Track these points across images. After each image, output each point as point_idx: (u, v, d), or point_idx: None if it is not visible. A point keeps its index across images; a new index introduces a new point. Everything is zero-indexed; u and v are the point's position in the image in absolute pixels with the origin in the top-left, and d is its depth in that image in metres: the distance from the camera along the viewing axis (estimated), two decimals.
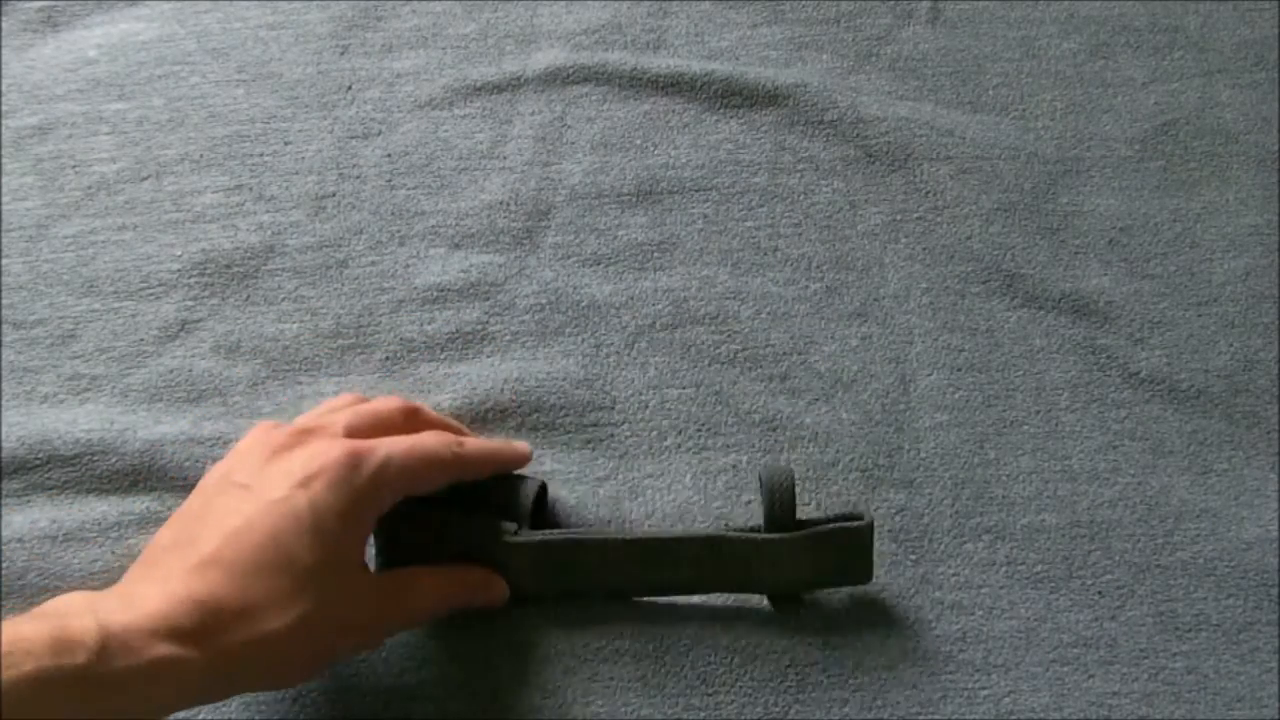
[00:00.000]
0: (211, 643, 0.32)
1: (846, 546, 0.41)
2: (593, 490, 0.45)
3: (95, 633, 0.30)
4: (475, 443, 0.41)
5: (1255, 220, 0.52)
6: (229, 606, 0.32)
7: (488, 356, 0.49)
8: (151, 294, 0.51)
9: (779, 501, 0.41)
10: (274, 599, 0.33)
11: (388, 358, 0.49)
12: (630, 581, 0.41)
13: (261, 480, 0.36)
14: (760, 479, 0.43)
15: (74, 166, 0.54)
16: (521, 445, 0.43)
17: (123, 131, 0.55)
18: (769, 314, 0.50)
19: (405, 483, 0.37)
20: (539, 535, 0.41)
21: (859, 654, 0.42)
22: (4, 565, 0.43)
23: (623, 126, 0.55)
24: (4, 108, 0.56)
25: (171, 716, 0.33)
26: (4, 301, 0.51)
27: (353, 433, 0.38)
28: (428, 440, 0.39)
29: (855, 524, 0.40)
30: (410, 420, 0.41)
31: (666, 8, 0.59)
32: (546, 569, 0.41)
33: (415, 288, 0.50)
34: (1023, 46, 0.57)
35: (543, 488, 0.43)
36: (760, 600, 0.42)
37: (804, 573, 0.41)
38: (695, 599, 0.43)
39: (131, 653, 0.30)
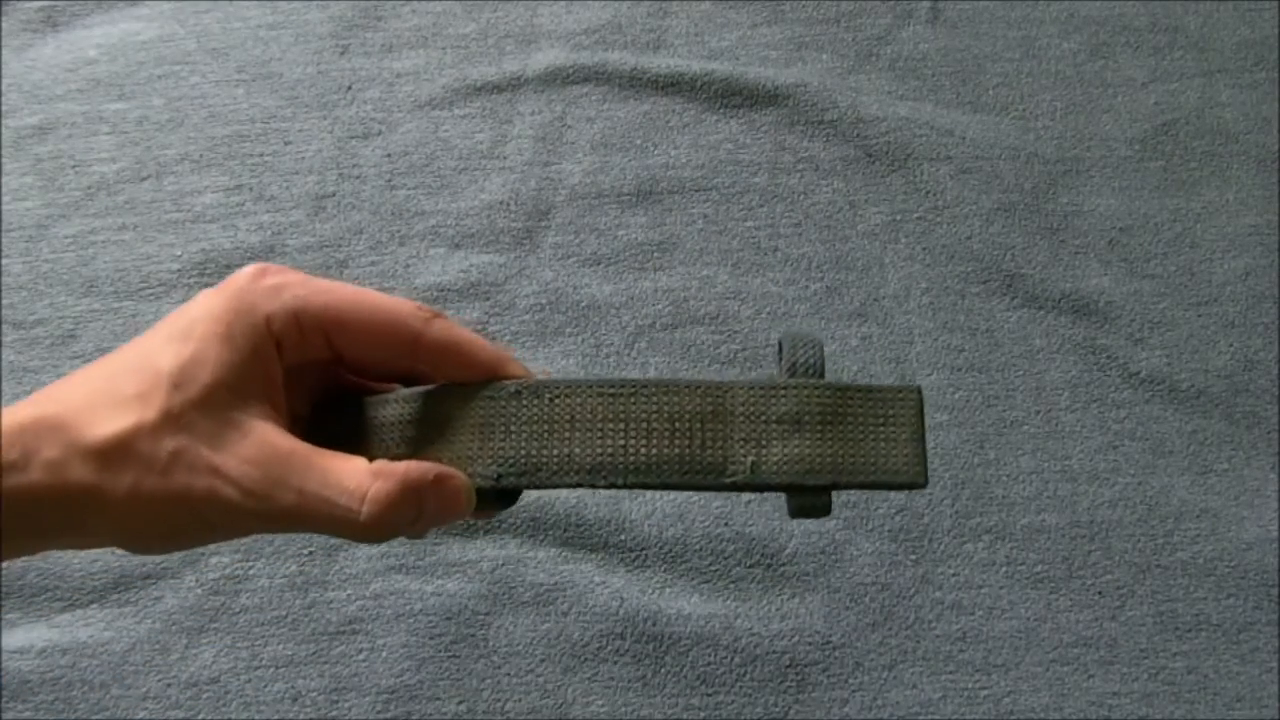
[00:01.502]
0: (23, 466, 0.26)
1: (886, 417, 0.30)
2: (591, 489, 0.45)
3: None
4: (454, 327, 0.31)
5: (1255, 220, 0.52)
6: (57, 415, 0.27)
7: None
8: (151, 294, 0.51)
9: (802, 358, 0.30)
10: (113, 401, 0.27)
11: None
12: (616, 453, 0.32)
13: None
14: (780, 344, 0.32)
15: (74, 166, 0.54)
16: (518, 367, 0.32)
17: (123, 131, 0.55)
18: (769, 314, 0.49)
19: (322, 316, 0.29)
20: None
21: (859, 654, 0.42)
22: (3, 566, 0.43)
23: (623, 126, 0.55)
24: (4, 108, 0.56)
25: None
26: (4, 301, 0.50)
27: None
28: (378, 293, 0.30)
29: (900, 387, 0.31)
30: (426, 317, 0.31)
31: (666, 8, 0.59)
32: (529, 430, 0.31)
33: (415, 288, 0.50)
34: (1023, 46, 0.57)
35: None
36: (760, 599, 0.42)
37: (829, 449, 0.30)
38: (695, 598, 0.43)
39: None
